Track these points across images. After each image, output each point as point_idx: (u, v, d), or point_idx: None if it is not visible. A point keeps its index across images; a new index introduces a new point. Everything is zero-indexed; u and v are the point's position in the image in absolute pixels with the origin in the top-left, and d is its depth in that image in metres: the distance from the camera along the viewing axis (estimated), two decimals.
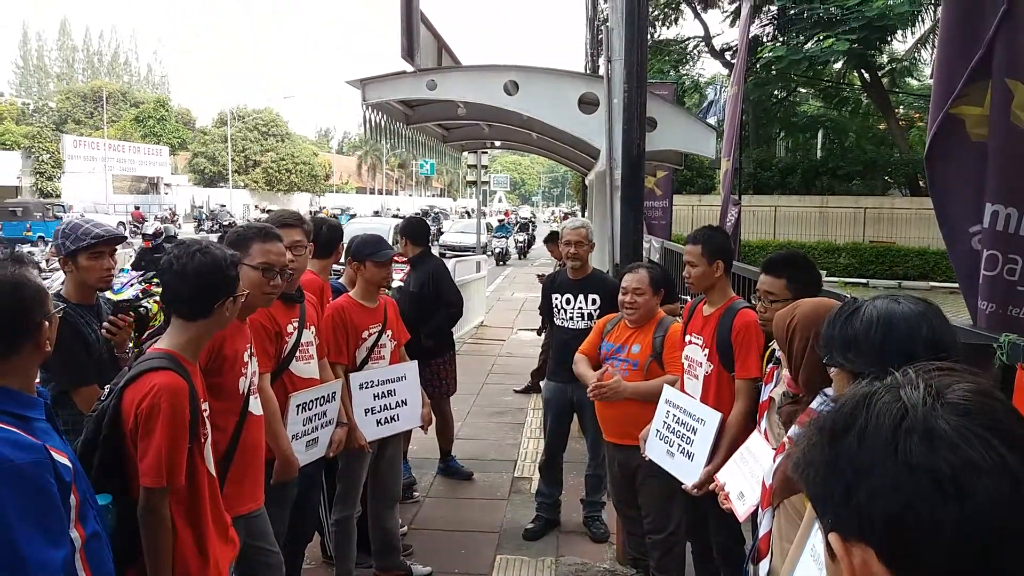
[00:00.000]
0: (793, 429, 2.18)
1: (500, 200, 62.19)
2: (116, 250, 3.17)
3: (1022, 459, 0.76)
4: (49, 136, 50.12)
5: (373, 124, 6.72)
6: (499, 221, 34.03)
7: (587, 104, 5.39)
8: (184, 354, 2.37)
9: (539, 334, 10.12)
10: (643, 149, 4.56)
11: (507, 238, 29.18)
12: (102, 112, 57.70)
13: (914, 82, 30.05)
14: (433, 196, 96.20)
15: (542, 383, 7.99)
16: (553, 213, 75.21)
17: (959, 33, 3.01)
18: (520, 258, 30.28)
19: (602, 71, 5.21)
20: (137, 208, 43.77)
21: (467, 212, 57.21)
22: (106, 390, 2.32)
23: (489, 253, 25.72)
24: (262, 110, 69.20)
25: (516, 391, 8.48)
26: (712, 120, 20.27)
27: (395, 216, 38.40)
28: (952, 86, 3.02)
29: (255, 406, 2.87)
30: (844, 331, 1.73)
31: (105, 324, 2.96)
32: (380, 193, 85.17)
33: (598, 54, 16.67)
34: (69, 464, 1.76)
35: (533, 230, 37.33)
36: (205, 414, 2.41)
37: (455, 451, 6.01)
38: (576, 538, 4.84)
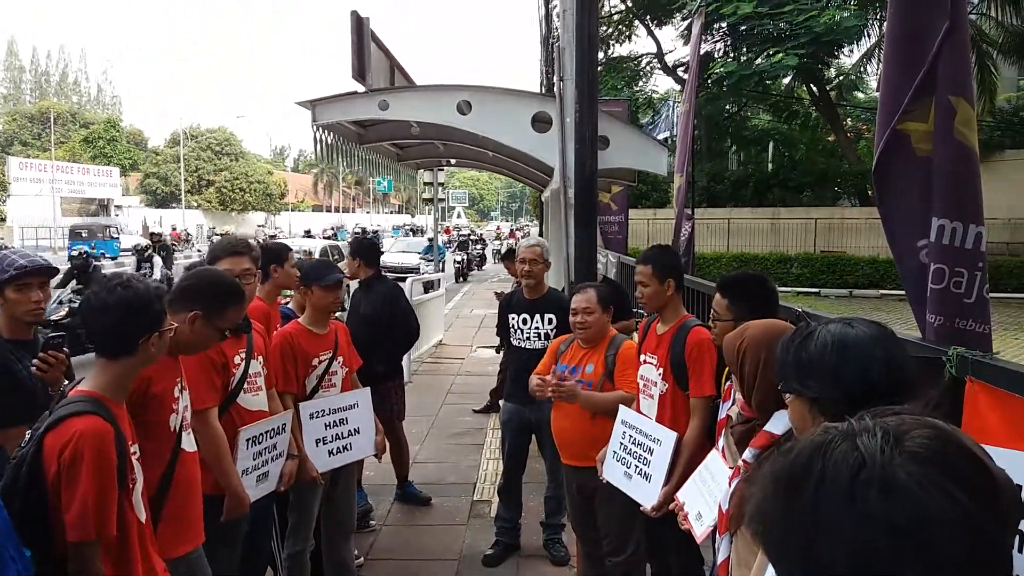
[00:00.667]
0: (748, 452, 2.15)
1: (459, 216, 61.46)
2: (47, 282, 3.03)
3: (981, 507, 0.74)
4: None
5: (325, 144, 6.64)
6: (428, 240, 27.80)
7: (540, 123, 5.38)
8: (109, 395, 2.24)
9: (498, 351, 10.07)
10: (595, 168, 4.55)
11: (435, 262, 23.73)
12: (50, 133, 56.42)
13: (861, 95, 30.80)
14: (391, 213, 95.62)
15: (501, 402, 7.94)
16: (498, 229, 61.22)
17: (904, 51, 3.04)
18: (458, 281, 26.06)
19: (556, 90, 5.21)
20: (174, 228, 47.29)
21: (411, 230, 54.01)
22: (27, 435, 2.19)
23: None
24: (215, 129, 68.39)
25: (475, 411, 8.39)
26: (664, 135, 20.51)
27: (328, 238, 35.40)
28: (898, 103, 3.05)
29: (187, 442, 2.76)
30: (798, 356, 1.71)
31: (35, 361, 2.82)
32: (337, 211, 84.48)
33: (553, 73, 16.76)
34: None
35: (483, 248, 34.15)
36: (135, 457, 2.30)
37: (413, 475, 5.91)
38: (536, 562, 4.77)
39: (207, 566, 2.85)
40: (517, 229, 55.37)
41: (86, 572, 2.07)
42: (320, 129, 6.10)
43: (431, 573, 4.62)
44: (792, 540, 0.80)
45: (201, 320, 2.81)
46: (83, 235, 34.98)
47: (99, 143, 62.76)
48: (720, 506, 2.28)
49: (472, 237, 35.37)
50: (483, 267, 31.96)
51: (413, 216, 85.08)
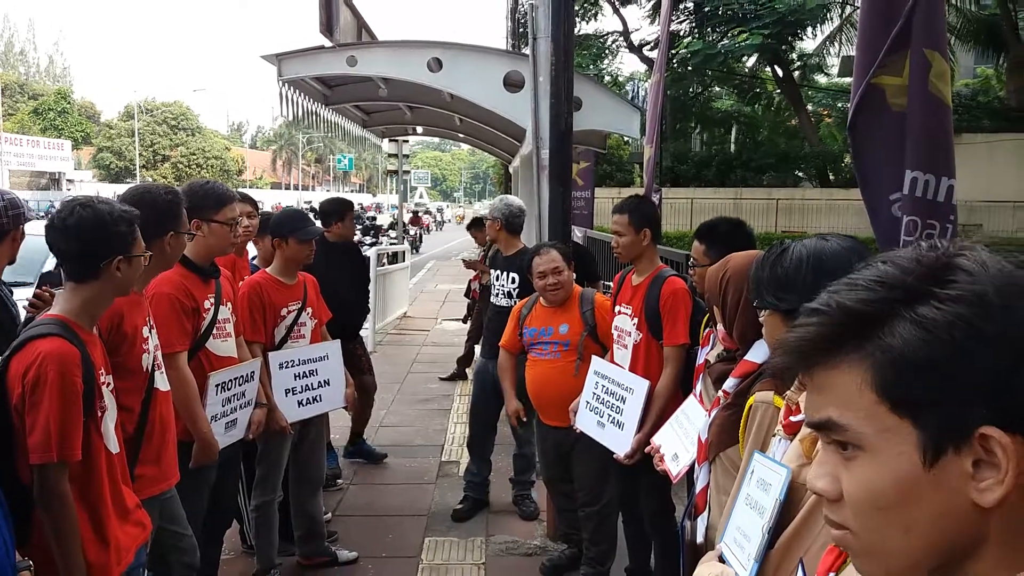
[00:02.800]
0: (729, 381, 2.16)
1: (421, 196, 60.82)
2: None
3: None
4: None
5: (291, 103, 6.48)
6: None
7: (512, 85, 5.31)
8: (78, 320, 2.16)
9: (464, 322, 10.03)
10: (570, 124, 4.50)
11: None
12: None
13: (823, 79, 31.13)
14: (352, 191, 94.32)
15: (468, 370, 7.92)
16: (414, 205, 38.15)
17: (880, 4, 3.06)
18: None
19: (526, 51, 5.14)
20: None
21: (311, 209, 49.47)
22: None
23: None
24: (171, 103, 66.88)
25: (442, 378, 8.35)
26: None
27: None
28: (873, 57, 3.06)
29: (161, 382, 2.69)
30: (774, 272, 1.73)
31: (30, 298, 2.74)
32: (296, 189, 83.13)
33: (519, 46, 16.62)
34: None
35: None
36: (107, 388, 2.23)
37: (379, 438, 5.88)
38: (506, 517, 4.77)
39: (180, 507, 2.80)
40: (424, 213, 42.83)
41: (51, 495, 2.00)
42: (286, 85, 5.96)
43: (400, 528, 4.60)
44: (1001, 363, 0.68)
45: (173, 235, 2.75)
46: None
47: (49, 115, 60.96)
48: (699, 437, 2.29)
49: (376, 222, 26.36)
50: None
51: (375, 195, 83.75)
